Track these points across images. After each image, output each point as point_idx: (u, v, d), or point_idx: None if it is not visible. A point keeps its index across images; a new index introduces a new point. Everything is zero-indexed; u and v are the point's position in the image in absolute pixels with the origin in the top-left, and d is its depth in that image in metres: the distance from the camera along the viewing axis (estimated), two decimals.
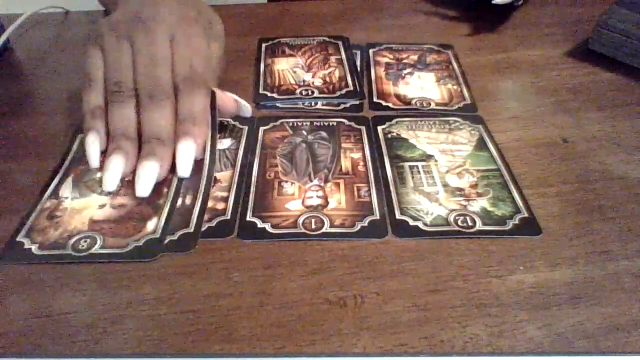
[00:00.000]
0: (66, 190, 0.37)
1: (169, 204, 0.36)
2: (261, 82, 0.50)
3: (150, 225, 0.34)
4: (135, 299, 0.30)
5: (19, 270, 0.32)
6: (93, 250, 0.33)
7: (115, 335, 0.28)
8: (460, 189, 0.37)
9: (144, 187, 0.36)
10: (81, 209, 0.36)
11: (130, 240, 0.33)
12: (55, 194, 0.37)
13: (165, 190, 0.37)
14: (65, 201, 0.37)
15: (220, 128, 0.43)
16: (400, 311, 0.29)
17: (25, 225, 0.35)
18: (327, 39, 0.57)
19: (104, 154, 0.38)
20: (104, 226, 0.34)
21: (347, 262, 0.32)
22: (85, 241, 0.33)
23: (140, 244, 0.33)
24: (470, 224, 0.35)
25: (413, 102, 0.47)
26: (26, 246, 0.33)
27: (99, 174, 0.38)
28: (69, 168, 0.40)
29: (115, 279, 0.31)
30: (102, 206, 0.36)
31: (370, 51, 0.55)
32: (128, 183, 0.37)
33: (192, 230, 0.34)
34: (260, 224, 0.35)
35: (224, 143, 0.42)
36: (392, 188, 0.38)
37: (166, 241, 0.33)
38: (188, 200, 0.36)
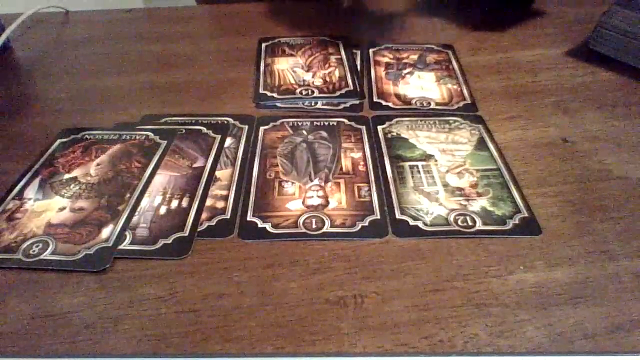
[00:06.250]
0: (31, 192, 0.37)
1: (128, 210, 0.35)
2: (261, 82, 0.50)
3: (106, 232, 0.34)
4: (135, 299, 0.30)
5: (19, 270, 0.32)
6: (43, 256, 0.32)
7: (115, 335, 0.28)
8: (460, 189, 0.37)
9: None
10: (41, 212, 0.35)
11: (82, 248, 0.33)
12: (19, 195, 0.37)
13: (127, 195, 0.37)
14: (28, 203, 0.36)
15: (220, 128, 0.43)
16: (400, 311, 0.29)
17: None
18: (327, 38, 0.57)
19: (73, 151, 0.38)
20: (59, 230, 0.34)
21: (347, 262, 0.32)
22: (37, 246, 0.33)
23: (92, 252, 0.33)
24: (470, 223, 0.35)
25: (413, 101, 0.47)
26: None
27: (66, 175, 0.38)
28: (39, 169, 0.39)
29: (115, 279, 0.31)
30: (61, 209, 0.36)
31: (370, 51, 0.55)
32: (92, 186, 0.37)
33: (186, 234, 0.34)
34: (260, 224, 0.35)
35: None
36: (392, 188, 0.38)
37: (159, 245, 0.33)
38: (185, 202, 0.36)
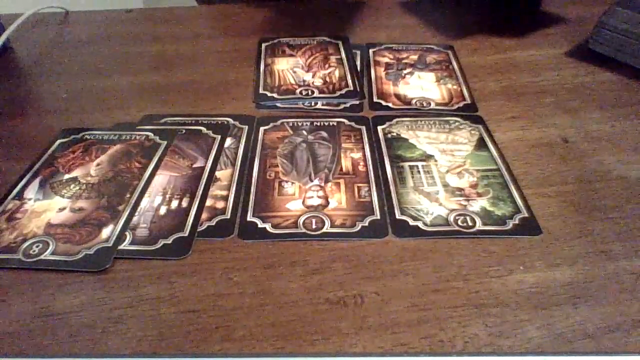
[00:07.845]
0: (31, 192, 0.37)
1: (128, 210, 0.35)
2: (261, 82, 0.50)
3: (106, 232, 0.34)
4: (135, 299, 0.30)
5: (19, 270, 0.32)
6: (43, 256, 0.32)
7: (115, 335, 0.28)
8: (460, 189, 0.37)
9: None
10: (41, 212, 0.35)
11: (82, 248, 0.33)
12: (19, 195, 0.37)
13: (127, 195, 0.37)
14: (28, 203, 0.36)
15: (220, 128, 0.43)
16: (400, 311, 0.29)
17: None
18: (327, 39, 0.57)
19: (73, 151, 0.38)
20: (59, 231, 0.34)
21: (347, 262, 0.32)
22: (38, 246, 0.33)
23: (92, 252, 0.33)
24: (470, 224, 0.35)
25: (413, 102, 0.47)
26: None
27: (66, 176, 0.38)
28: (39, 169, 0.39)
29: (115, 279, 0.31)
30: (61, 209, 0.36)
31: (370, 51, 0.55)
32: (92, 186, 0.37)
33: (186, 234, 0.34)
34: (260, 224, 0.35)
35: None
36: (392, 188, 0.38)
37: (159, 245, 0.33)
38: (185, 203, 0.36)
